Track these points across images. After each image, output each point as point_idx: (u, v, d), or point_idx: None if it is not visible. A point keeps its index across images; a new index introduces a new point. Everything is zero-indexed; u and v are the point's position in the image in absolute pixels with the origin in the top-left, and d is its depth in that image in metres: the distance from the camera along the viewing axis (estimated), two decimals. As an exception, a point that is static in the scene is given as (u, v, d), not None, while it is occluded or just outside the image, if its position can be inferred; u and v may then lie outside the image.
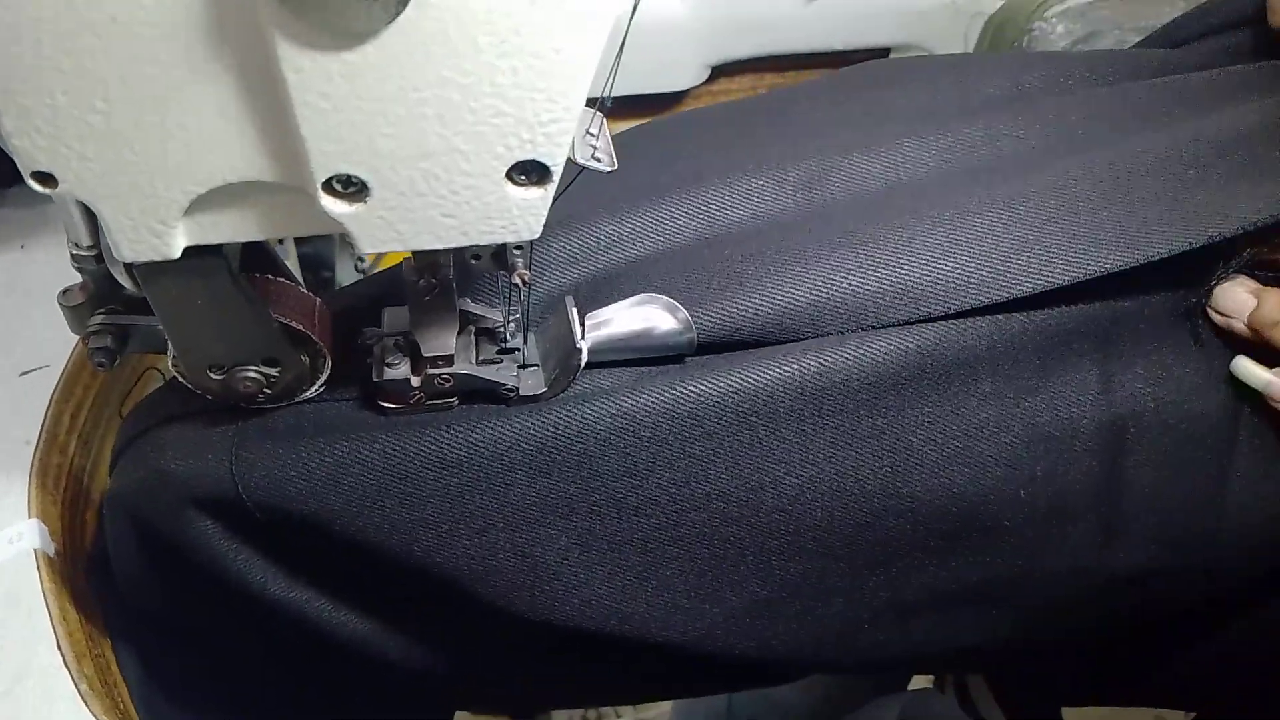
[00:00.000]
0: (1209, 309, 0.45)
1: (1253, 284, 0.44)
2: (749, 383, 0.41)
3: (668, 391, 0.41)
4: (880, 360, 0.41)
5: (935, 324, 0.42)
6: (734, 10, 0.69)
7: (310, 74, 0.27)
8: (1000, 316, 0.42)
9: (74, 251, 0.35)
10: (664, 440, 0.41)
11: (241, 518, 0.42)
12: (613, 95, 0.73)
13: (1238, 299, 0.44)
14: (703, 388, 0.41)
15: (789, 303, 0.41)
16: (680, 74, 0.72)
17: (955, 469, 0.43)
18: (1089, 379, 0.44)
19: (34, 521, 0.48)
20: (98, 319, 0.39)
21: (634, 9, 0.36)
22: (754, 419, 0.41)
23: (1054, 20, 0.65)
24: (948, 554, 0.46)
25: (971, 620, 0.50)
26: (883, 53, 0.77)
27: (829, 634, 0.48)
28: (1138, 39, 0.62)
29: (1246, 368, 0.45)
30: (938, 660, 0.55)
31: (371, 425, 0.41)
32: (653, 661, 0.49)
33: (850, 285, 0.41)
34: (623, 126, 0.78)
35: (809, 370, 0.41)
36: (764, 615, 0.47)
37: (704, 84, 0.75)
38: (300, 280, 0.40)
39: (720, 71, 0.75)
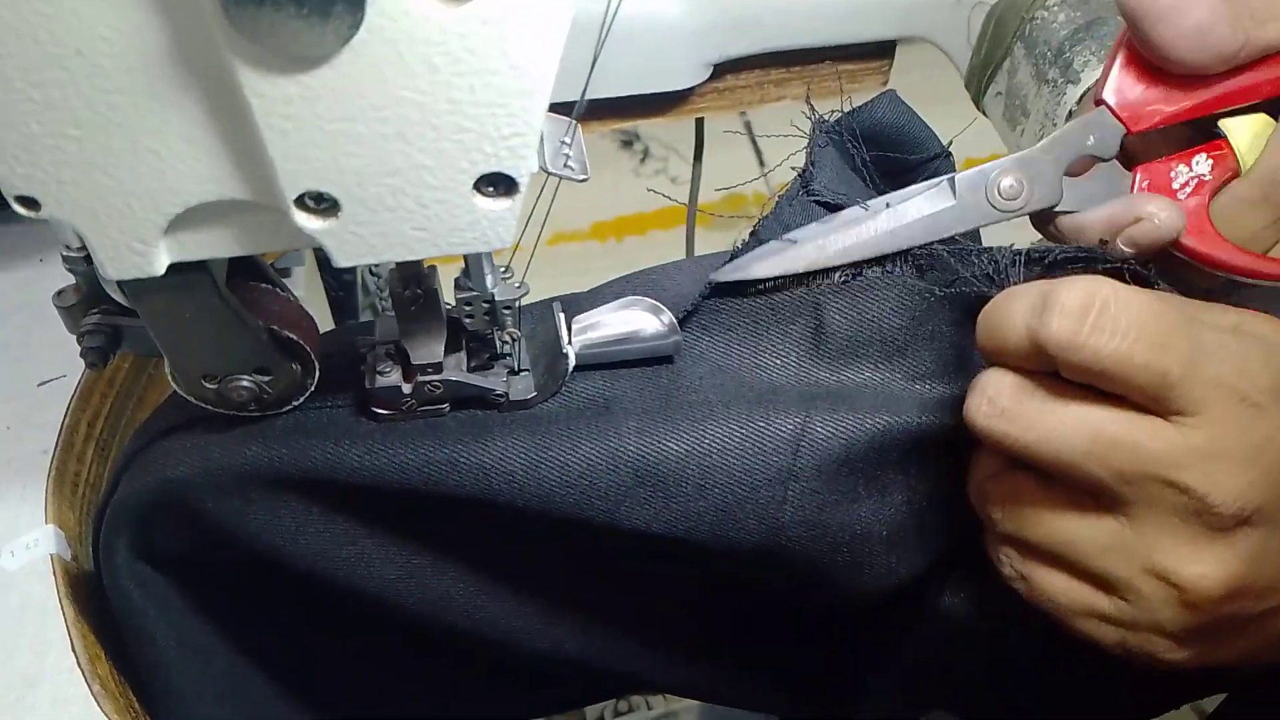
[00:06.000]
0: None
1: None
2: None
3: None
4: None
5: None
6: (729, 6, 0.69)
7: (271, 98, 0.28)
8: None
9: (64, 253, 0.37)
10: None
11: (245, 519, 0.43)
12: (616, 97, 0.73)
13: None
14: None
15: None
16: (680, 74, 0.72)
17: None
18: None
19: (50, 527, 0.50)
20: (91, 318, 0.40)
21: (611, 15, 0.37)
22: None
23: (1055, 9, 0.64)
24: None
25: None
26: (888, 46, 0.77)
27: None
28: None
29: None
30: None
31: (364, 431, 0.42)
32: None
33: None
34: (627, 126, 0.78)
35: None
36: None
37: (709, 81, 0.75)
38: (288, 288, 0.41)
39: (724, 69, 0.75)
